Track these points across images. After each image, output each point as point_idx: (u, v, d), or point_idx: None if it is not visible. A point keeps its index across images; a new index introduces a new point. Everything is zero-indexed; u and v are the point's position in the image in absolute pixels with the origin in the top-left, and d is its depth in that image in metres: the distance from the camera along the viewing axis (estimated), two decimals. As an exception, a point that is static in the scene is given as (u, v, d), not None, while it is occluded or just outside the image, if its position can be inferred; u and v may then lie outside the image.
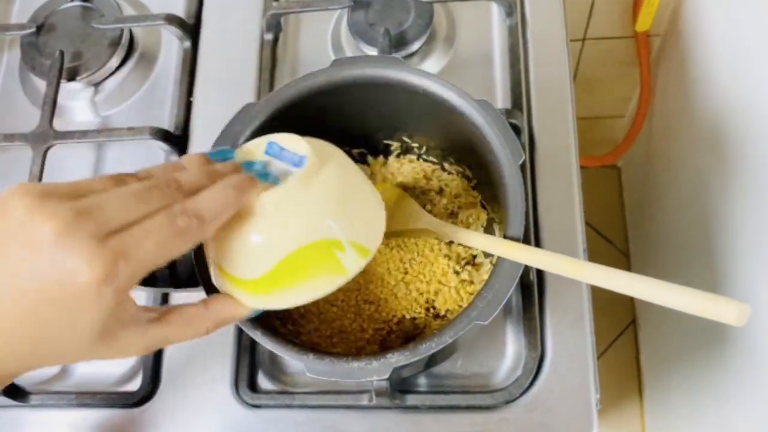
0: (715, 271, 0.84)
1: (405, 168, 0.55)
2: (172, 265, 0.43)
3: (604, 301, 1.34)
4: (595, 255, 0.54)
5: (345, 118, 0.49)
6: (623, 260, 1.36)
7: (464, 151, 0.48)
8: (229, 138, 0.43)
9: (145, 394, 0.54)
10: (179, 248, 0.31)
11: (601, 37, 1.07)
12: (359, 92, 0.45)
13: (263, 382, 0.54)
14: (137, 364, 0.55)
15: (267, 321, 0.45)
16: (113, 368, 0.56)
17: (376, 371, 0.38)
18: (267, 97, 0.44)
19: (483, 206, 0.52)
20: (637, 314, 1.31)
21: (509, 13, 0.60)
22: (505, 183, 0.40)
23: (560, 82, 0.58)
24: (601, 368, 0.54)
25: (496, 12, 0.62)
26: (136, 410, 0.54)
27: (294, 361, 0.39)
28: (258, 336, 0.39)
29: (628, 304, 1.33)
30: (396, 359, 0.38)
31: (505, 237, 0.40)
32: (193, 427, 0.53)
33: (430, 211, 0.51)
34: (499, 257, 0.40)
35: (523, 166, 0.48)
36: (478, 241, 0.43)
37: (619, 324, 1.34)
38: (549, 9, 0.61)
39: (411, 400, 0.51)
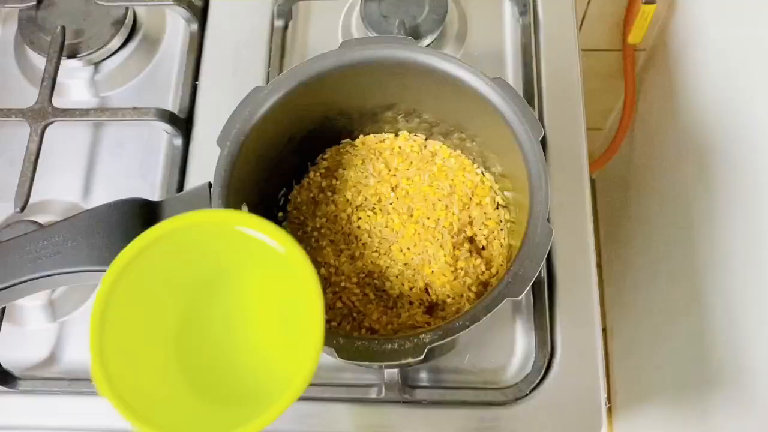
0: (696, 284, 0.86)
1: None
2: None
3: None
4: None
5: (353, 97, 0.48)
6: (596, 270, 1.38)
7: (478, 129, 0.48)
8: (238, 122, 0.42)
9: (144, 382, 0.52)
10: None
11: (588, 48, 1.08)
12: (369, 72, 0.44)
13: (268, 373, 0.53)
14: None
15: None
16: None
17: (411, 353, 0.37)
18: (276, 80, 0.43)
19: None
20: (608, 324, 1.33)
21: (523, 12, 0.61)
22: (526, 160, 0.40)
23: (571, 84, 0.59)
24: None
25: (508, 11, 0.62)
26: (133, 399, 0.52)
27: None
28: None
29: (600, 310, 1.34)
30: (429, 338, 0.37)
31: (529, 215, 0.39)
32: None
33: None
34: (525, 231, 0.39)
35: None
36: None
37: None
38: (561, 9, 0.61)
39: (420, 394, 0.51)
